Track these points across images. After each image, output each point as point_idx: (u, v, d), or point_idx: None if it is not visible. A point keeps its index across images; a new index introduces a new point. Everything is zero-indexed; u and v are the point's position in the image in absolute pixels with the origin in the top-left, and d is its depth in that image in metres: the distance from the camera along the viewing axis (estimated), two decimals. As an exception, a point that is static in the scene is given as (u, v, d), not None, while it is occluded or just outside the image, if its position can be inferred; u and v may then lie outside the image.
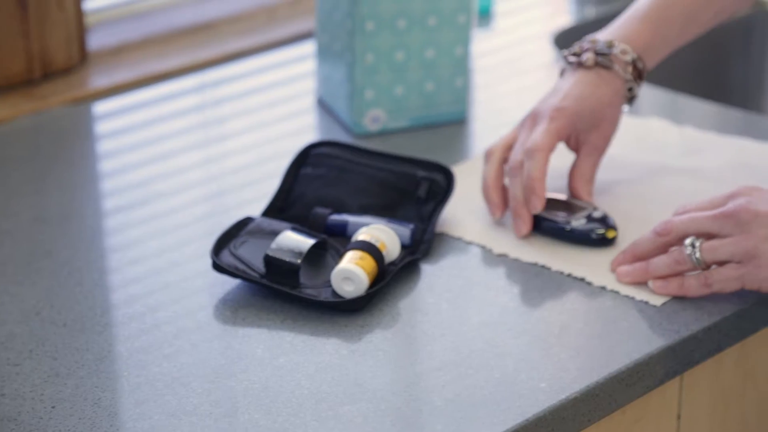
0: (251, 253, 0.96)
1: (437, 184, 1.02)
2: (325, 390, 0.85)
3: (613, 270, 0.96)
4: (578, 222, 1.01)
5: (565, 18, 1.46)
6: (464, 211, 1.05)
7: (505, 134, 1.06)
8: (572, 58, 1.05)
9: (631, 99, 1.05)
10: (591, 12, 1.47)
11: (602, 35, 1.05)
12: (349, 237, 0.98)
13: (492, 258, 1.00)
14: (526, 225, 1.00)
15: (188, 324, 0.92)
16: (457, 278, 0.97)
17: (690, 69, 1.53)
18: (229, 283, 0.96)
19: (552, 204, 1.03)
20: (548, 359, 0.88)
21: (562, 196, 1.04)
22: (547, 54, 1.36)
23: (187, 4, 1.43)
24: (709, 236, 0.92)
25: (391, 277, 0.95)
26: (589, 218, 1.01)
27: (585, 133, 1.04)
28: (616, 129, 1.05)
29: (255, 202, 1.07)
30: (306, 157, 1.05)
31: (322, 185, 1.03)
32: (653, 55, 1.05)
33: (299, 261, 0.93)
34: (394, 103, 1.19)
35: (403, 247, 0.98)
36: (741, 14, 1.56)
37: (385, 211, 1.02)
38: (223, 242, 0.97)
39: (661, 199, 1.06)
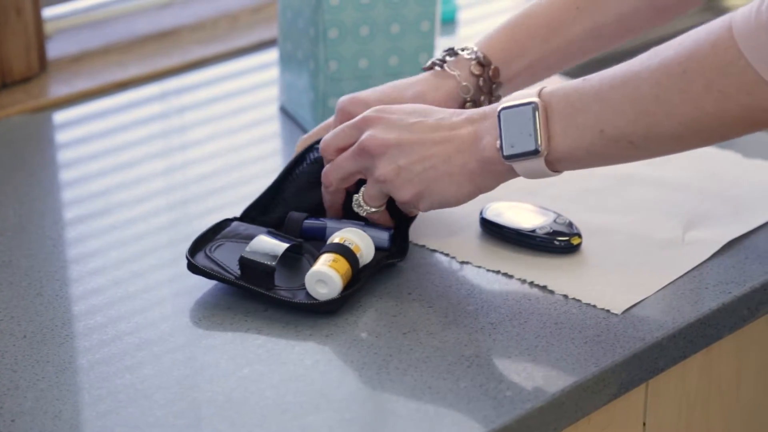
0: (226, 256, 0.96)
1: None
2: (290, 400, 0.85)
3: None
4: (542, 229, 1.01)
5: (528, 25, 1.46)
6: (428, 218, 1.05)
7: (327, 129, 1.01)
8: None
9: (474, 101, 1.02)
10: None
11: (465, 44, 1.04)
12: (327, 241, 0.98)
13: (455, 266, 0.99)
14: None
15: (151, 335, 0.91)
16: (422, 288, 0.97)
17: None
18: (193, 293, 0.96)
19: (516, 211, 1.03)
20: (513, 367, 0.88)
21: (527, 204, 1.04)
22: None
23: (148, 12, 1.42)
24: (356, 174, 0.96)
25: (366, 281, 0.95)
26: (554, 225, 1.01)
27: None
28: None
29: (218, 210, 1.06)
30: (303, 159, 1.03)
31: (302, 185, 1.02)
32: (510, 61, 1.02)
33: (274, 264, 0.93)
34: (358, 111, 1.19)
35: (383, 250, 0.98)
36: (703, 20, 1.57)
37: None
38: (199, 245, 0.97)
39: (625, 208, 1.07)
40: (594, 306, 0.94)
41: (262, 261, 0.93)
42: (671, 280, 0.97)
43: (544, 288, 0.96)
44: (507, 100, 0.92)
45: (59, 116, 1.25)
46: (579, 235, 1.01)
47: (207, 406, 0.84)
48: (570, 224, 1.01)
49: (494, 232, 1.02)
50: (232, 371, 0.87)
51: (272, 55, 1.34)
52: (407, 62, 1.19)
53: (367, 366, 0.88)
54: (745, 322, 0.97)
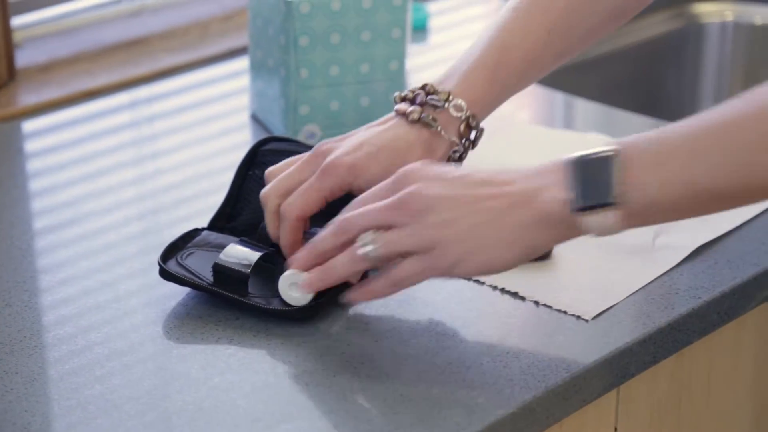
0: (198, 264, 0.95)
1: None
2: (262, 409, 0.85)
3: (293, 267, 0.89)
4: (514, 236, 1.00)
5: (499, 32, 1.46)
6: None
7: (283, 175, 0.94)
8: (400, 106, 0.95)
9: (459, 158, 0.96)
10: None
11: (441, 84, 0.95)
12: None
13: (428, 273, 0.99)
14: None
15: (121, 345, 0.91)
16: (393, 295, 0.96)
17: (624, 82, 1.55)
18: (164, 302, 0.95)
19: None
20: (484, 374, 0.88)
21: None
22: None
23: (118, 20, 1.41)
24: (387, 228, 0.85)
25: (340, 289, 0.94)
26: (525, 232, 1.01)
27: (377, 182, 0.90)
28: None
29: (189, 219, 1.06)
30: (255, 157, 1.03)
31: None
32: (490, 107, 0.96)
33: (248, 270, 0.93)
34: (330, 118, 1.19)
35: None
36: (674, 27, 1.58)
37: (335, 212, 1.01)
38: (170, 253, 0.96)
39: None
40: (565, 312, 0.94)
41: (236, 268, 0.93)
42: (641, 286, 0.97)
43: (515, 294, 0.97)
44: (576, 152, 0.83)
45: (28, 125, 1.25)
46: (550, 242, 1.01)
47: (178, 416, 0.84)
48: (541, 231, 1.01)
49: (465, 239, 1.02)
50: (203, 381, 0.87)
51: (243, 63, 1.34)
52: (378, 69, 1.19)
53: (339, 374, 0.88)
54: (715, 327, 0.98)
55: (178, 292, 0.96)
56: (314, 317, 0.93)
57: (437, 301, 0.96)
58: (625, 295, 0.96)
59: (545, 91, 1.31)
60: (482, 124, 0.97)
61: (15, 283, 0.98)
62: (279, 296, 0.93)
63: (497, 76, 0.96)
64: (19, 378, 0.87)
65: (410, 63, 1.35)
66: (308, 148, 1.03)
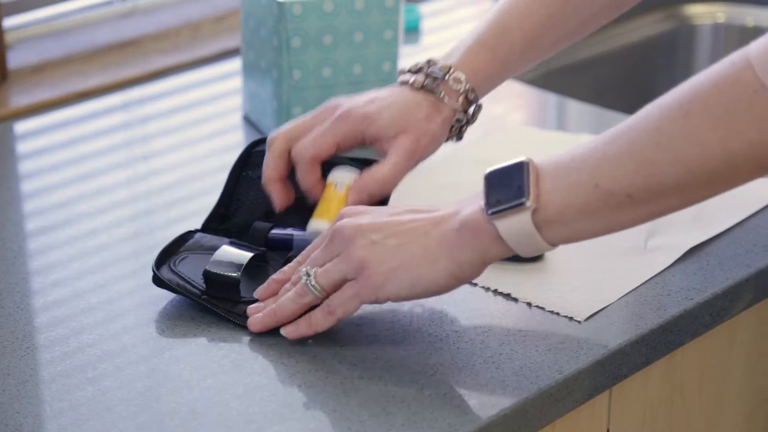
0: (191, 270, 0.95)
1: None
2: (254, 411, 0.84)
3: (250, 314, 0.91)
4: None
5: (491, 34, 1.47)
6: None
7: (294, 121, 0.99)
8: (403, 77, 1.00)
9: (459, 130, 1.00)
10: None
11: (442, 59, 0.99)
12: (295, 251, 0.97)
13: (421, 274, 0.99)
14: (277, 204, 0.97)
15: (113, 346, 0.91)
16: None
17: (616, 84, 1.55)
18: (156, 304, 0.95)
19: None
20: (477, 375, 0.88)
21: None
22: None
23: (110, 22, 1.41)
24: (339, 278, 0.88)
25: None
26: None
27: (387, 139, 0.96)
28: (432, 143, 0.97)
29: (182, 221, 1.06)
30: (248, 158, 1.03)
31: (262, 189, 1.02)
32: (490, 83, 1.00)
33: (238, 274, 0.93)
34: (322, 120, 1.19)
35: None
36: (666, 28, 1.58)
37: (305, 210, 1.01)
38: (164, 258, 0.96)
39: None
40: (557, 313, 0.94)
41: (226, 273, 0.93)
42: (634, 287, 0.97)
43: (507, 296, 0.97)
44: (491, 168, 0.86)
45: (20, 126, 1.24)
46: (542, 243, 1.01)
47: (170, 418, 0.84)
48: (533, 232, 1.01)
49: (458, 240, 1.02)
50: (196, 382, 0.87)
51: (235, 64, 1.34)
52: (371, 71, 1.19)
53: (331, 375, 0.88)
54: (707, 329, 0.98)
55: (170, 293, 0.96)
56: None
57: (429, 303, 0.96)
58: (618, 297, 0.96)
59: (537, 93, 1.31)
60: (480, 108, 1.00)
61: (7, 284, 0.98)
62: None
63: (497, 54, 0.99)
64: (11, 380, 0.87)
65: (403, 64, 1.35)
66: None
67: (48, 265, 1.02)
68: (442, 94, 0.98)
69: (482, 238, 0.85)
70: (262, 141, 1.04)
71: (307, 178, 0.97)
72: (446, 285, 0.87)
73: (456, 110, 0.98)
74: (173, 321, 0.93)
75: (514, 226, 0.84)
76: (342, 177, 0.97)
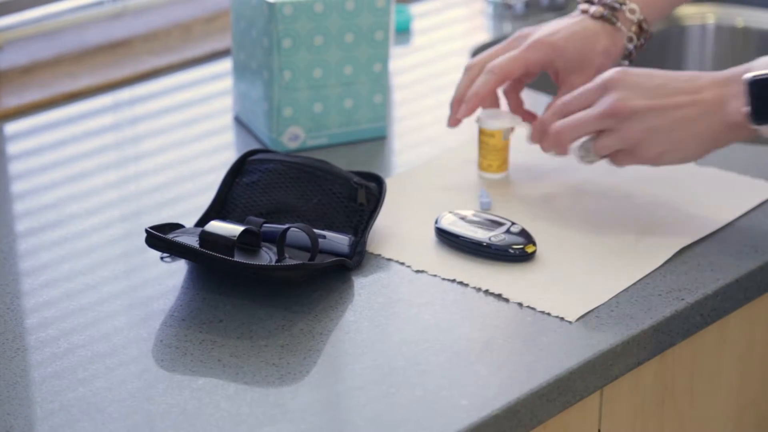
0: (185, 240, 0.96)
1: (371, 193, 1.03)
2: (245, 411, 0.84)
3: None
4: (497, 238, 1.01)
5: (482, 34, 1.47)
6: (383, 227, 1.04)
7: (488, 51, 1.12)
8: (583, 6, 1.12)
9: (629, 55, 1.12)
10: (508, 28, 1.48)
11: None
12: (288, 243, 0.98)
13: (411, 275, 0.99)
14: (452, 118, 1.11)
15: (103, 347, 0.91)
16: (377, 296, 0.97)
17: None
18: (146, 304, 0.95)
19: (471, 220, 1.03)
20: (469, 376, 0.88)
21: (482, 214, 1.05)
22: (464, 70, 1.37)
23: (100, 22, 1.41)
24: (598, 133, 1.03)
25: (328, 264, 0.96)
26: (508, 234, 1.01)
27: (567, 72, 1.10)
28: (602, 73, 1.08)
29: (172, 221, 1.06)
30: (242, 165, 1.05)
31: (256, 192, 1.03)
32: (659, 13, 1.13)
33: (235, 237, 0.93)
34: (313, 121, 1.19)
35: (342, 256, 0.99)
36: (656, 29, 1.59)
37: (320, 218, 1.01)
38: (157, 231, 0.96)
39: (579, 216, 1.07)
40: (548, 314, 0.94)
41: (223, 234, 0.94)
42: (624, 287, 0.97)
43: (499, 296, 0.97)
44: (755, 69, 0.99)
45: (10, 127, 1.24)
46: (533, 243, 1.01)
47: (161, 419, 0.84)
48: (524, 232, 1.02)
49: (450, 241, 1.02)
50: (187, 383, 0.87)
51: (226, 65, 1.33)
52: (362, 72, 1.19)
53: (323, 375, 0.88)
54: (698, 329, 0.98)
55: (161, 294, 0.96)
56: (300, 278, 0.93)
57: (421, 304, 0.96)
58: (608, 297, 0.96)
59: (531, 94, 1.31)
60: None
61: (-3, 285, 0.98)
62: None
63: None
64: (1, 381, 0.87)
65: (393, 65, 1.35)
66: (294, 158, 1.04)
67: (38, 266, 1.01)
68: (618, 23, 1.10)
69: (743, 134, 1.01)
70: (255, 152, 1.05)
71: (485, 87, 1.09)
72: (702, 157, 1.03)
73: (631, 38, 1.10)
74: (164, 322, 0.93)
75: None
76: (501, 123, 1.10)
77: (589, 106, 1.03)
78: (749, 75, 0.99)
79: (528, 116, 1.14)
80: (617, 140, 1.02)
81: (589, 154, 1.03)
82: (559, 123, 1.04)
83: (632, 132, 1.01)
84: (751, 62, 1.01)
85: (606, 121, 1.02)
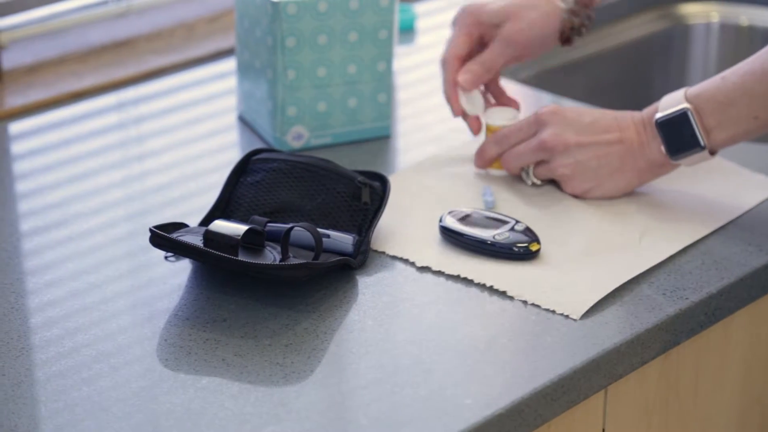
0: (189, 239, 0.96)
1: (375, 192, 1.03)
2: (249, 411, 0.84)
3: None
4: (501, 236, 1.01)
5: (486, 33, 1.46)
6: (387, 225, 1.04)
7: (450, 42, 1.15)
8: None
9: (572, 29, 1.14)
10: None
11: None
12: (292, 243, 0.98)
13: (415, 274, 0.99)
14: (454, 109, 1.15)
15: (108, 347, 0.91)
16: (382, 295, 0.97)
17: (611, 83, 1.55)
18: (151, 304, 0.95)
19: (474, 218, 1.03)
20: (473, 375, 0.88)
21: (485, 212, 1.05)
22: (468, 69, 1.36)
23: (104, 22, 1.41)
24: (537, 163, 1.10)
25: (327, 272, 0.96)
26: (512, 232, 1.01)
27: (494, 27, 1.13)
28: (530, 30, 1.13)
29: (177, 221, 1.06)
30: (246, 165, 1.05)
31: (260, 192, 1.03)
32: None
33: (239, 237, 0.93)
34: (317, 120, 1.19)
35: (347, 255, 0.99)
36: (660, 28, 1.58)
37: (324, 217, 1.02)
38: (160, 230, 0.97)
39: (583, 214, 1.07)
40: (553, 312, 0.94)
41: (227, 233, 0.94)
42: (628, 279, 0.97)
43: (503, 294, 0.97)
44: (659, 110, 1.05)
45: (14, 127, 1.24)
46: (538, 242, 1.01)
47: (166, 418, 0.84)
48: (528, 230, 1.02)
49: (454, 239, 1.02)
50: (191, 382, 0.87)
51: (230, 64, 1.33)
52: (365, 71, 1.19)
53: (327, 375, 0.88)
54: (702, 328, 0.98)
55: (165, 293, 0.96)
56: (304, 277, 0.93)
57: (425, 303, 0.96)
58: (612, 288, 0.96)
59: (532, 92, 1.31)
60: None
61: (1, 285, 0.98)
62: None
63: None
64: (6, 380, 0.87)
65: (398, 64, 1.35)
66: (298, 157, 1.05)
67: (43, 265, 1.02)
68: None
69: (667, 170, 1.08)
70: (259, 151, 1.05)
71: (449, 77, 1.14)
72: (628, 192, 1.08)
73: (566, 9, 1.13)
74: (168, 321, 0.93)
75: (694, 159, 1.06)
76: (506, 119, 1.12)
77: (526, 138, 1.09)
78: (657, 116, 1.05)
79: (514, 103, 1.18)
80: (550, 172, 1.08)
81: (529, 178, 1.10)
82: (506, 154, 1.10)
83: (563, 166, 1.07)
84: (658, 101, 1.06)
85: (541, 153, 1.08)
